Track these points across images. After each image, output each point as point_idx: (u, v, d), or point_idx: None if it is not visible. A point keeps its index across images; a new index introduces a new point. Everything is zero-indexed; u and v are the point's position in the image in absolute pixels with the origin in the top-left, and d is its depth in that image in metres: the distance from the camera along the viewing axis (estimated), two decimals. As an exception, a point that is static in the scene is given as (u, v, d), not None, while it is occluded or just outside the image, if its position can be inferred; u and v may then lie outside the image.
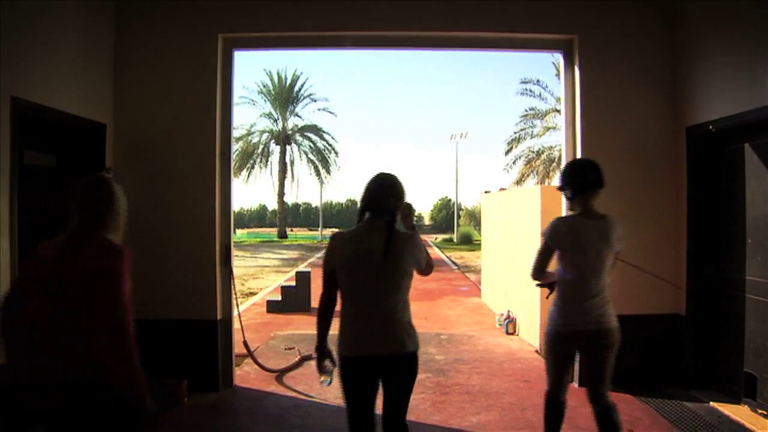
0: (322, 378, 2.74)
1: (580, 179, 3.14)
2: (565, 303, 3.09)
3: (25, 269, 2.38)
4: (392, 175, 2.78)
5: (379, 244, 2.59)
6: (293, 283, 9.84)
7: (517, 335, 7.03)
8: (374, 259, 2.58)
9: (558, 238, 3.08)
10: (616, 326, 3.10)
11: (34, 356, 2.19)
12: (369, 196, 2.71)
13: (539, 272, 3.18)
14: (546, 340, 3.23)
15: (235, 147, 33.33)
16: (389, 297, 2.61)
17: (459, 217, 47.00)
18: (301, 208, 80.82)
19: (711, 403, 4.32)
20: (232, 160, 5.13)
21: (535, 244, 3.43)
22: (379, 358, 2.61)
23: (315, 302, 10.32)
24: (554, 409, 3.21)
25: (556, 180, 23.67)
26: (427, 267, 2.78)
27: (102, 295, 2.17)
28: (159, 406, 2.23)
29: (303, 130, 38.92)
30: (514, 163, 27.17)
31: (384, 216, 2.66)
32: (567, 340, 3.09)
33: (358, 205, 2.79)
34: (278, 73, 38.18)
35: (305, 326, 7.99)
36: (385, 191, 2.70)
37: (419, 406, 4.19)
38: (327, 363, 2.71)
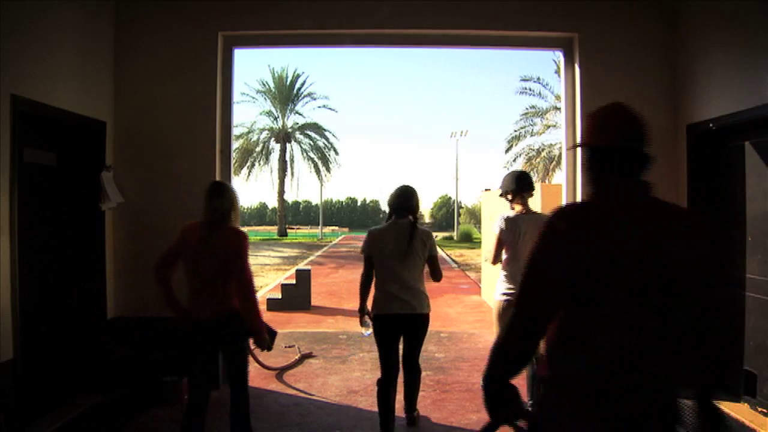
0: (363, 330, 3.94)
1: (517, 185, 4.20)
2: (509, 277, 4.07)
3: (174, 243, 3.37)
4: (411, 187, 3.88)
5: (404, 237, 3.68)
6: (293, 281, 9.85)
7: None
8: (400, 247, 3.66)
9: (505, 231, 4.10)
10: None
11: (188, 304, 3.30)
12: (394, 202, 3.84)
13: (496, 258, 4.17)
14: (496, 306, 4.17)
15: (235, 145, 33.30)
16: (410, 273, 3.69)
17: (459, 215, 47.01)
18: (301, 206, 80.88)
19: (711, 401, 4.32)
20: (232, 158, 5.14)
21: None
22: (401, 316, 3.68)
23: (315, 301, 10.36)
24: None
25: (556, 178, 23.69)
26: (436, 273, 3.87)
27: (233, 264, 3.22)
28: (273, 335, 3.48)
29: (303, 128, 38.89)
30: (514, 160, 27.20)
31: (406, 216, 3.78)
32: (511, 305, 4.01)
33: (387, 209, 3.93)
34: (279, 72, 38.17)
35: (305, 324, 8.00)
36: (406, 199, 3.82)
37: (420, 403, 4.19)
38: (366, 319, 3.87)
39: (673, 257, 1.48)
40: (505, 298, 4.07)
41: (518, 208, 4.20)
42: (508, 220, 4.12)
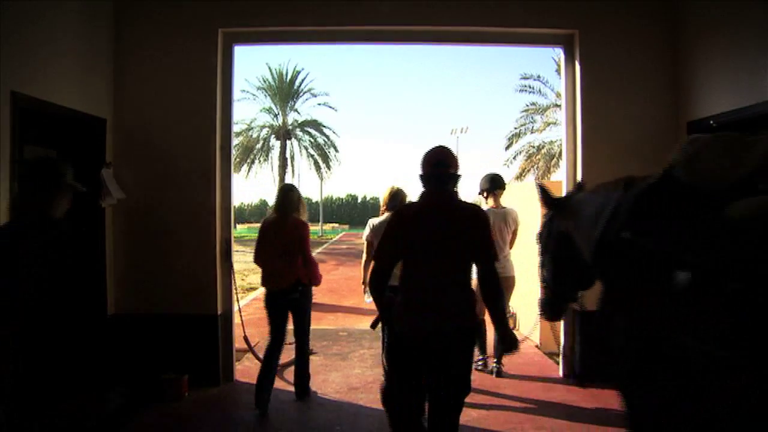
0: (365, 297, 4.79)
1: (490, 185, 5.17)
2: None
3: (259, 237, 4.50)
4: (399, 188, 4.85)
5: None
6: (294, 278, 9.83)
7: (518, 330, 7.04)
8: None
9: None
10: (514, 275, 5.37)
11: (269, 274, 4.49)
12: (386, 198, 4.81)
13: None
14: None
15: (235, 142, 33.20)
16: None
17: (459, 212, 46.80)
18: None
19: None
20: (232, 155, 5.14)
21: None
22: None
23: (315, 298, 10.36)
24: None
25: (556, 175, 23.70)
26: None
27: (299, 246, 4.38)
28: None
29: (303, 125, 38.83)
30: (514, 158, 27.08)
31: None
32: None
33: (381, 205, 4.96)
34: (278, 69, 38.08)
35: (306, 321, 8.00)
36: (397, 196, 4.77)
37: (419, 400, 4.19)
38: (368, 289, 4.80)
39: (452, 234, 2.71)
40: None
41: (491, 203, 5.18)
42: None
